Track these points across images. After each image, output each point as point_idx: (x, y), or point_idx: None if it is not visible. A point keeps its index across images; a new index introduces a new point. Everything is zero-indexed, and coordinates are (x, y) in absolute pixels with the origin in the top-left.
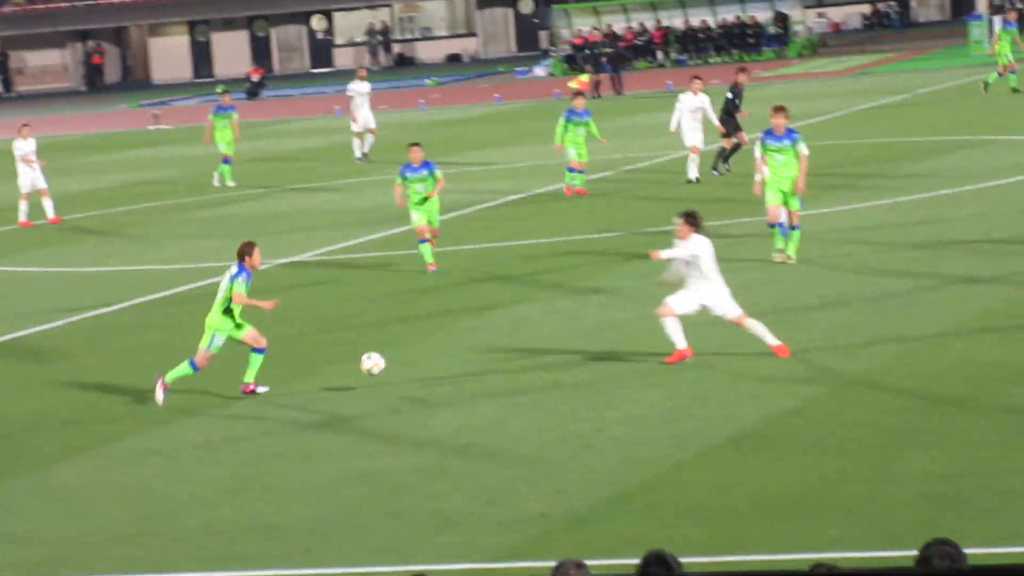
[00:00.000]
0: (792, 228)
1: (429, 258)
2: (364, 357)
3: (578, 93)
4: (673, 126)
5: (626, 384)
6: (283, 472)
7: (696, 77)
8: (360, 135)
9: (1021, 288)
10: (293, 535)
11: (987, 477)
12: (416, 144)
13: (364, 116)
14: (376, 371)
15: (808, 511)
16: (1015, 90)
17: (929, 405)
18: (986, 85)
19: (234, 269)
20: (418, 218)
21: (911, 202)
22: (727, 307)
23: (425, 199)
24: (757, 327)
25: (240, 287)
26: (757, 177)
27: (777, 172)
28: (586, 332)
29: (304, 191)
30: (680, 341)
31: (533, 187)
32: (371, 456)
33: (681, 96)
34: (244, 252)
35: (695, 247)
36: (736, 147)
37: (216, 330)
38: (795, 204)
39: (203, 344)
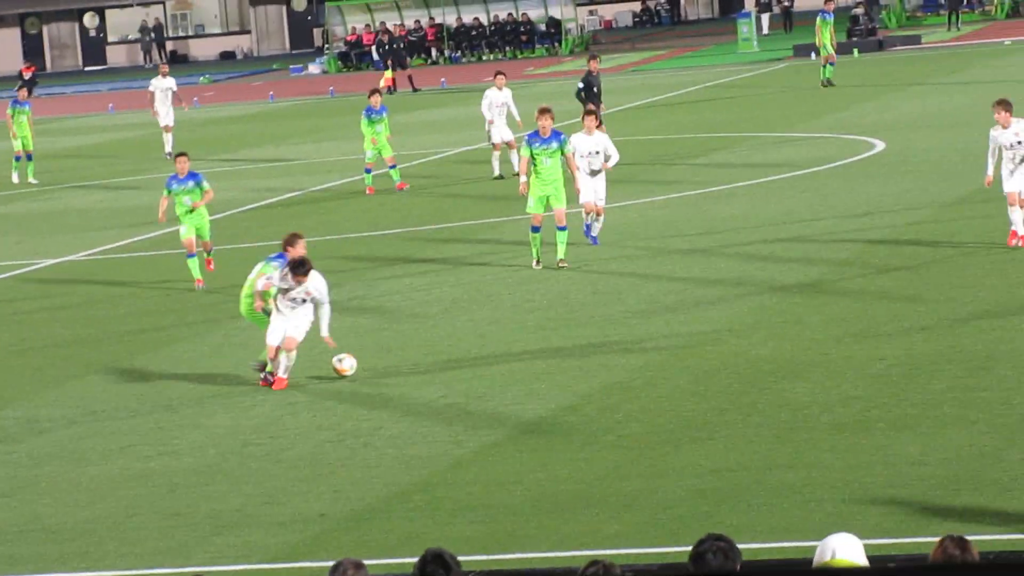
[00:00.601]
0: (560, 229)
1: (197, 274)
2: (335, 360)
3: (375, 91)
4: (489, 117)
5: (403, 382)
6: (57, 474)
7: (499, 72)
8: (168, 129)
9: (792, 284)
10: (68, 537)
11: (760, 472)
12: (183, 155)
13: (165, 112)
14: (350, 372)
15: (585, 507)
16: (829, 82)
17: (703, 401)
18: (827, 81)
19: (271, 264)
20: (186, 231)
21: (682, 199)
22: (299, 331)
23: (191, 211)
24: (289, 360)
25: (268, 270)
26: (522, 178)
27: (543, 175)
28: (363, 330)
29: (79, 189)
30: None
31: (308, 185)
32: (147, 457)
33: (487, 92)
34: (287, 243)
35: (314, 287)
36: None
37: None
38: (559, 203)
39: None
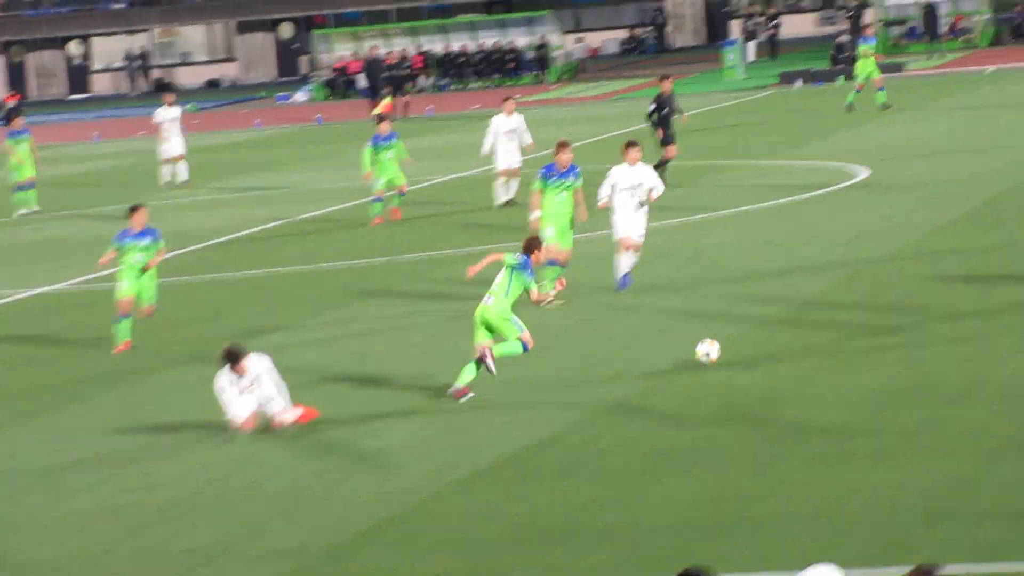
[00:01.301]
0: (561, 267)
1: (124, 336)
2: (701, 347)
3: (382, 118)
4: (486, 149)
5: (383, 414)
6: (32, 509)
7: (508, 98)
8: (169, 161)
9: (773, 314)
10: (42, 573)
11: (741, 502)
12: (141, 207)
13: (174, 143)
14: (715, 354)
15: (565, 539)
16: (886, 105)
17: (684, 431)
18: (876, 105)
19: (518, 261)
20: (126, 288)
21: (667, 227)
22: (281, 408)
23: (142, 270)
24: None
25: (531, 284)
26: (535, 214)
27: (557, 209)
28: (343, 360)
29: (64, 218)
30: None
31: (293, 213)
32: (122, 491)
33: (494, 119)
34: (533, 247)
35: (257, 372)
36: (665, 161)
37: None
38: (567, 243)
39: (512, 335)
